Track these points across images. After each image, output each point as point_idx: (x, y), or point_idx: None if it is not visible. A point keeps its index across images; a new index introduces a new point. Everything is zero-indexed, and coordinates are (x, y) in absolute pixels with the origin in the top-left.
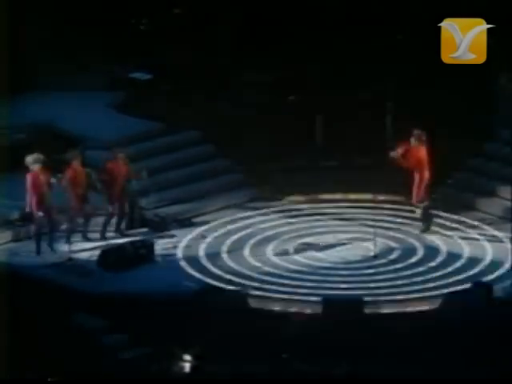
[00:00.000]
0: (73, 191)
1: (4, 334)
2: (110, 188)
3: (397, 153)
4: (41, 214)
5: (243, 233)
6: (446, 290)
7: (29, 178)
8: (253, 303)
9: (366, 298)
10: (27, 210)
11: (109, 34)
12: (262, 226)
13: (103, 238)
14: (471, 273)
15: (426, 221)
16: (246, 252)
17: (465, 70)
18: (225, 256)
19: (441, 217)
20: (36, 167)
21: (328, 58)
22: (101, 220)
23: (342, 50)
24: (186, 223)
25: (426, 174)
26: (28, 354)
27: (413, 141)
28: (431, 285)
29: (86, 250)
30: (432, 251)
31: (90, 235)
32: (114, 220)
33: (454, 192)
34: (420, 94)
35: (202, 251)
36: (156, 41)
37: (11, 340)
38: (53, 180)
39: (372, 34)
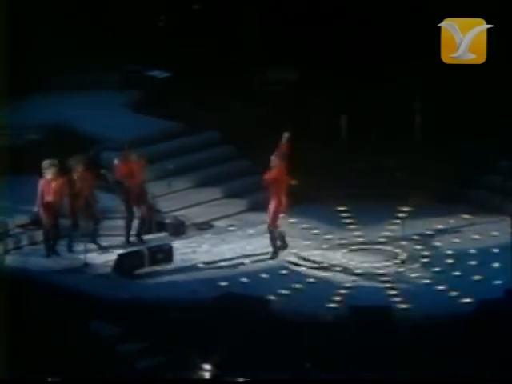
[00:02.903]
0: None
1: (16, 338)
2: (125, 190)
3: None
4: (50, 218)
5: (265, 236)
6: (476, 297)
7: (41, 184)
8: (275, 310)
9: (394, 305)
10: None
11: (126, 31)
12: (285, 229)
13: (127, 242)
14: (505, 279)
15: (280, 242)
16: (268, 257)
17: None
18: (246, 261)
19: (470, 221)
20: (50, 173)
21: (353, 56)
22: (118, 223)
23: (368, 49)
24: (206, 227)
25: (284, 199)
26: (40, 360)
27: (275, 159)
28: (461, 291)
29: (102, 254)
30: (463, 256)
31: (105, 239)
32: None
33: (486, 195)
34: (448, 94)
35: (222, 256)
36: (174, 38)
37: (24, 346)
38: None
39: (401, 32)
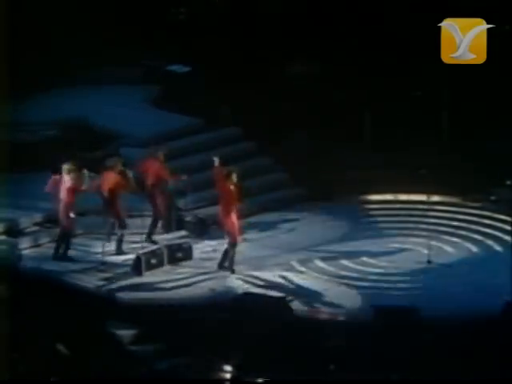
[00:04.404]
0: (109, 196)
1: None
2: (147, 188)
3: None
4: (72, 216)
5: (286, 235)
6: (505, 297)
7: (57, 185)
8: (296, 310)
9: (419, 306)
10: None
11: (146, 25)
12: (307, 228)
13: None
14: None
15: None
16: (290, 256)
17: None
18: (267, 260)
19: (499, 220)
20: (69, 176)
21: (378, 54)
22: (137, 222)
23: (393, 47)
24: None
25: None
26: (55, 361)
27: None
28: (489, 291)
29: (120, 254)
30: (490, 256)
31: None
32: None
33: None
34: (474, 93)
35: (242, 255)
36: (196, 32)
37: (41, 345)
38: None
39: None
